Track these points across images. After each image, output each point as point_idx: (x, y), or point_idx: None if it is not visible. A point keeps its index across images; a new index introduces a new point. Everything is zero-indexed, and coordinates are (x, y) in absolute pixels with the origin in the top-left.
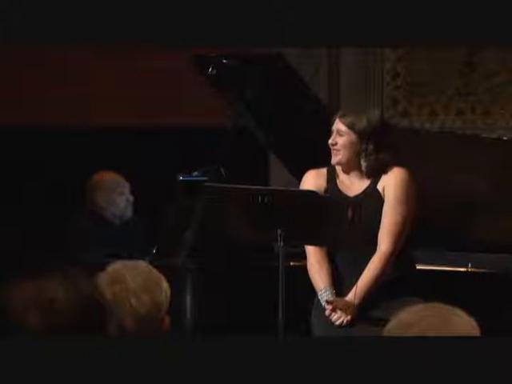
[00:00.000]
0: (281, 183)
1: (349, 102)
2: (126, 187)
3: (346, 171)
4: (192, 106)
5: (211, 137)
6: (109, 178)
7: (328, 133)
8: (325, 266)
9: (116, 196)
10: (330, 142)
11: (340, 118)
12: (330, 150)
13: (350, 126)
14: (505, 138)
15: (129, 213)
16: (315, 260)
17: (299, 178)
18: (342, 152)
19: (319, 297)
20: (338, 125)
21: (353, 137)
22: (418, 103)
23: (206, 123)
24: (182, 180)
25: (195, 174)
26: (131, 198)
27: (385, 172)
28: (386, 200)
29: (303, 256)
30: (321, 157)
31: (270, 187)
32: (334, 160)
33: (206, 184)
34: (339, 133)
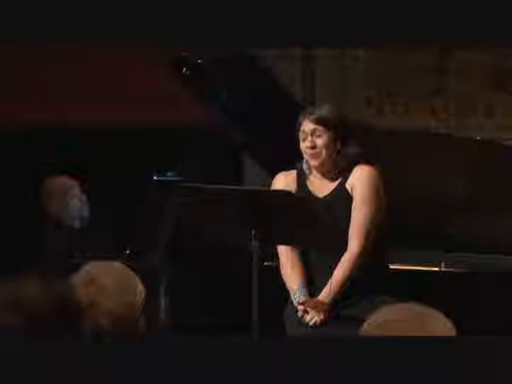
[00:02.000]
0: (255, 183)
1: (324, 101)
2: (76, 188)
3: (321, 172)
4: (166, 105)
5: (185, 136)
6: (60, 182)
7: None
8: (297, 267)
9: (69, 199)
10: (306, 145)
11: (311, 117)
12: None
13: (326, 124)
14: (478, 138)
15: (85, 213)
16: (287, 260)
17: (272, 179)
18: (323, 153)
19: (292, 298)
20: (311, 125)
21: (330, 135)
22: (392, 103)
23: (180, 123)
24: (156, 180)
25: (170, 173)
26: (84, 198)
27: (353, 170)
28: (354, 198)
29: (277, 256)
30: (296, 157)
31: (245, 187)
32: (314, 162)
33: (181, 184)
34: (315, 133)
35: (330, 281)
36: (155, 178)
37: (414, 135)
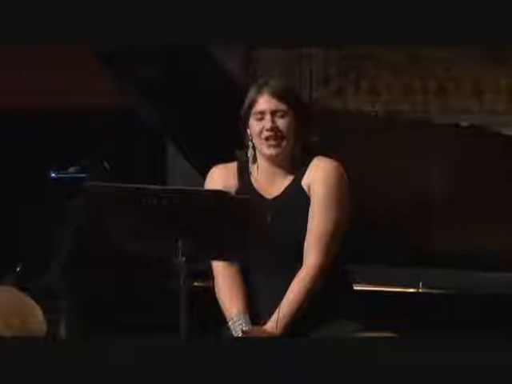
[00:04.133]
0: (181, 181)
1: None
2: None
3: (273, 164)
4: (67, 84)
5: (94, 123)
6: None
7: (240, 116)
8: (236, 286)
9: None
10: (265, 127)
11: (273, 91)
12: (241, 140)
13: (290, 101)
14: (465, 124)
15: None
16: (224, 279)
17: (204, 174)
18: (285, 138)
19: (230, 326)
20: (272, 101)
21: (293, 115)
22: (355, 79)
23: (87, 106)
24: (53, 178)
25: (71, 169)
26: None
27: (310, 164)
28: (313, 200)
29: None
30: (231, 148)
31: (169, 187)
32: (271, 151)
33: (86, 183)
34: (277, 112)
35: (278, 307)
36: (52, 174)
37: (384, 121)
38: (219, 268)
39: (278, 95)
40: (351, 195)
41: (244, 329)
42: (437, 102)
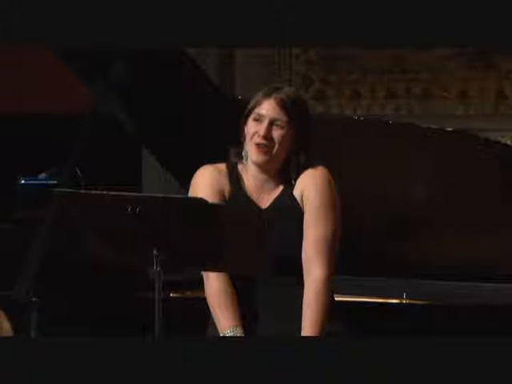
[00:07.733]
0: (156, 187)
1: (245, 79)
2: None
3: (264, 171)
4: (38, 89)
5: (64, 127)
6: None
7: (221, 120)
8: (229, 292)
9: None
10: (258, 131)
11: (281, 100)
12: (224, 143)
13: (294, 114)
14: (449, 129)
15: None
16: (216, 281)
17: (181, 180)
18: (275, 150)
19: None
20: (274, 109)
21: (292, 128)
22: (337, 82)
23: (57, 110)
24: (23, 184)
25: (42, 175)
26: None
27: (301, 174)
28: (309, 209)
29: (185, 286)
30: (210, 152)
31: (144, 194)
32: (259, 158)
33: (56, 189)
34: (276, 122)
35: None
36: (22, 181)
37: (364, 125)
38: (212, 275)
39: (283, 104)
40: (341, 201)
41: None
42: (421, 107)
